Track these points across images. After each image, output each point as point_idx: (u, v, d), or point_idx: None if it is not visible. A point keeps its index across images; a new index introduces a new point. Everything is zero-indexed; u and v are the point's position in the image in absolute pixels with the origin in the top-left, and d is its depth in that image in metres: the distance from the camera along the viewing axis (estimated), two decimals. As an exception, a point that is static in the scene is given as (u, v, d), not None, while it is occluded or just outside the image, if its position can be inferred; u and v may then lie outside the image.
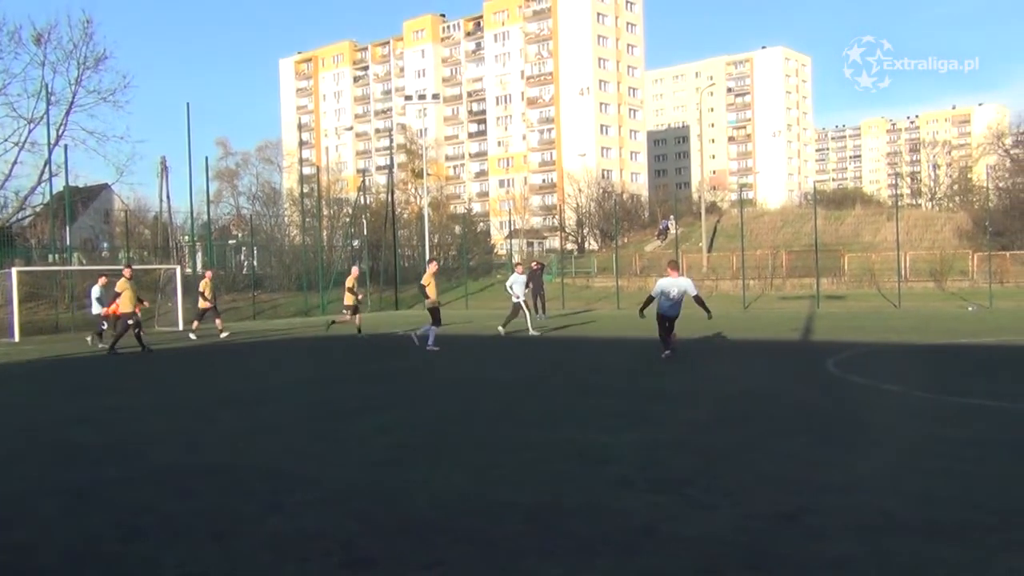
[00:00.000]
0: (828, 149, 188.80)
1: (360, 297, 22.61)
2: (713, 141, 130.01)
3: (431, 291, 16.42)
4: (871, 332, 18.76)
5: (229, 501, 5.51)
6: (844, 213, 51.66)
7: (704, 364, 13.74)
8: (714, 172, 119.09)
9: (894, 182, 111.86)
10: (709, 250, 44.60)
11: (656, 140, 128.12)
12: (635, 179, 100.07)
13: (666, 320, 13.77)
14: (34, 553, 4.56)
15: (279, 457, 6.95)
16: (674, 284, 13.68)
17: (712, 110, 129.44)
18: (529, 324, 19.96)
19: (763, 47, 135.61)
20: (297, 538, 4.64)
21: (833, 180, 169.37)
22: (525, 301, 20.49)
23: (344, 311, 21.97)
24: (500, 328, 19.71)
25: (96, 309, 20.78)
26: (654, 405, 9.14)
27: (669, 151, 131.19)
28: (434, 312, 16.37)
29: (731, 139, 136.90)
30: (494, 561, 4.20)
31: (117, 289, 17.46)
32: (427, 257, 39.59)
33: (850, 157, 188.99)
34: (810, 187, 69.99)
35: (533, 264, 28.01)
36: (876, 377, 11.12)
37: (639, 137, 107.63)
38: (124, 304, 17.06)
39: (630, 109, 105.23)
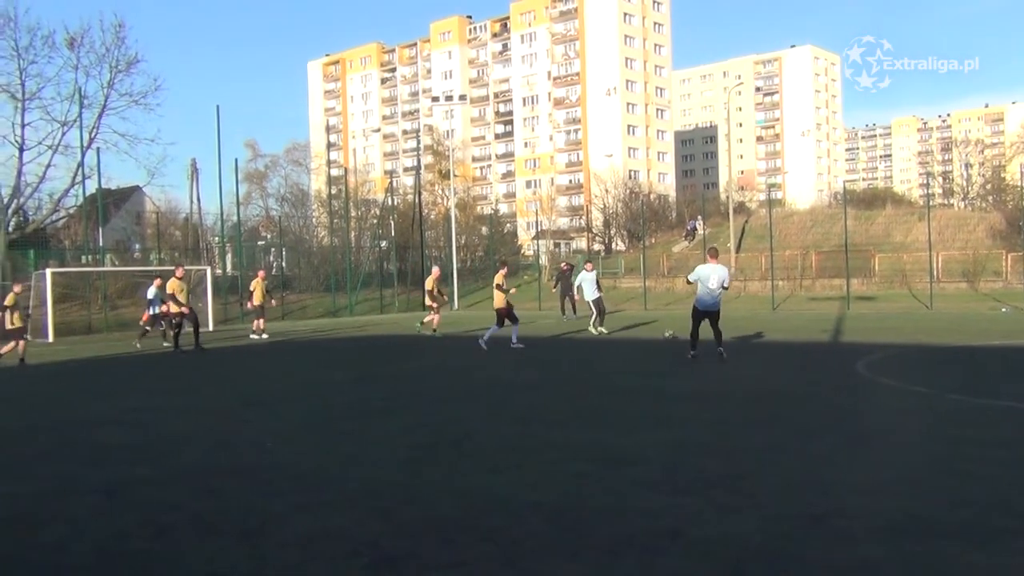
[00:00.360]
0: (858, 148, 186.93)
1: (445, 297, 22.47)
2: (741, 141, 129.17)
3: (499, 294, 16.96)
4: (902, 333, 18.56)
5: (256, 500, 5.57)
6: (874, 213, 51.07)
7: (731, 365, 13.63)
8: (742, 172, 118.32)
9: (925, 181, 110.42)
10: (737, 251, 44.29)
11: (684, 140, 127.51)
12: (662, 179, 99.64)
13: (704, 315, 13.13)
14: (66, 551, 4.64)
15: (305, 457, 7.01)
16: (714, 271, 13.05)
17: (740, 110, 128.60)
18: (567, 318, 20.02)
19: (792, 46, 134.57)
20: (323, 537, 4.68)
21: (863, 180, 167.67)
22: (593, 299, 20.42)
23: (432, 310, 21.81)
24: (600, 330, 19.70)
25: (153, 310, 20.99)
26: (680, 406, 9.10)
27: (697, 151, 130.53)
28: (501, 313, 16.86)
29: (759, 139, 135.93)
30: (517, 561, 4.21)
31: (168, 290, 17.79)
32: (454, 258, 39.72)
33: (880, 156, 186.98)
34: (840, 187, 69.34)
35: (562, 265, 28.15)
36: (906, 379, 11.00)
37: (666, 137, 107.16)
38: (176, 304, 17.43)
39: (657, 109, 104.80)
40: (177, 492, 5.86)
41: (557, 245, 68.38)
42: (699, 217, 50.20)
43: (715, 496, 5.32)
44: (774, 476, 5.85)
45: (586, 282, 20.59)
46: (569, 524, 4.79)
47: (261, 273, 23.68)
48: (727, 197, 54.22)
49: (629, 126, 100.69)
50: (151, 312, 19.96)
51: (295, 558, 4.36)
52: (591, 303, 20.37)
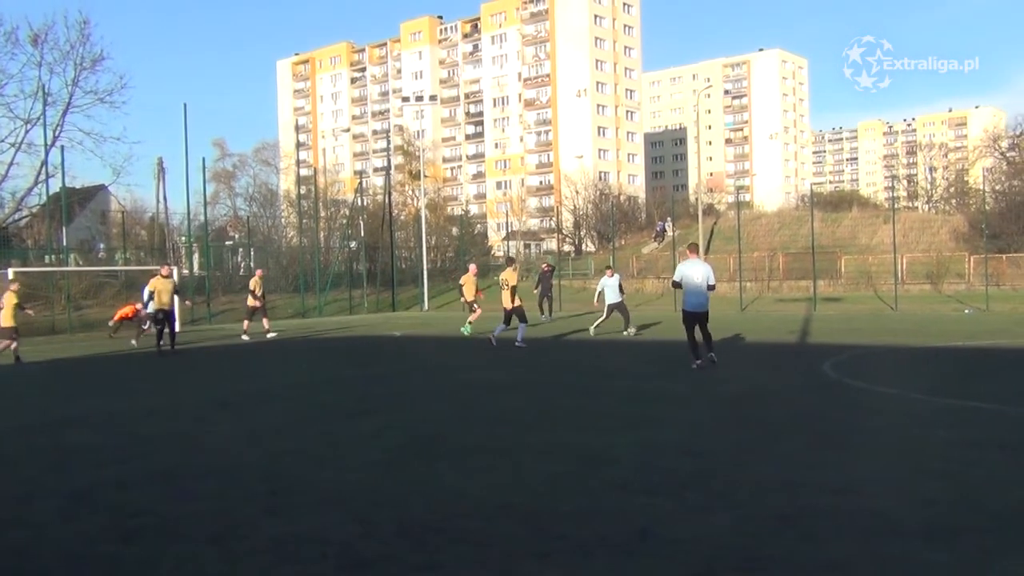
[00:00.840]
0: (825, 151, 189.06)
1: (481, 295, 22.22)
2: (710, 143, 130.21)
3: (507, 292, 16.89)
4: (868, 334, 18.80)
5: (227, 503, 5.51)
6: (841, 215, 51.73)
7: (705, 367, 13.73)
8: (711, 174, 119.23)
9: (891, 184, 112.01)
10: (706, 252, 44.60)
11: (653, 142, 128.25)
12: (632, 181, 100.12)
13: (695, 318, 12.11)
14: (32, 555, 4.56)
15: (277, 459, 6.96)
16: (695, 268, 12.07)
17: (709, 112, 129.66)
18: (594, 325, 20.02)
19: (760, 49, 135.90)
20: (294, 540, 4.65)
21: (830, 182, 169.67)
22: (616, 303, 20.18)
23: (472, 310, 21.62)
24: (629, 331, 19.75)
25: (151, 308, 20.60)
26: (652, 407, 9.15)
27: (666, 153, 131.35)
28: (510, 312, 16.88)
29: (728, 141, 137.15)
30: (491, 563, 4.21)
31: (149, 288, 17.22)
32: (424, 259, 39.62)
33: (847, 159, 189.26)
34: (807, 189, 70.20)
35: (544, 266, 28.23)
36: (872, 379, 11.15)
37: (636, 139, 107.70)
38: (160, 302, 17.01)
39: (627, 111, 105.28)
40: (146, 495, 5.79)
41: (527, 246, 68.49)
42: (668, 219, 50.52)
43: (686, 496, 5.36)
44: (744, 476, 5.90)
45: (608, 287, 20.27)
46: (541, 525, 4.80)
47: (259, 272, 23.30)
48: (696, 199, 54.63)
49: (599, 128, 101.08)
50: (145, 310, 19.62)
51: (266, 561, 4.32)
52: (615, 308, 20.15)
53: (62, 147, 31.37)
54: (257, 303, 22.26)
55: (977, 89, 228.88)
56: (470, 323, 20.25)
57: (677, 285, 12.44)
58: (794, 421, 8.24)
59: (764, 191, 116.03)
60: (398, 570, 4.14)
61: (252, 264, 40.48)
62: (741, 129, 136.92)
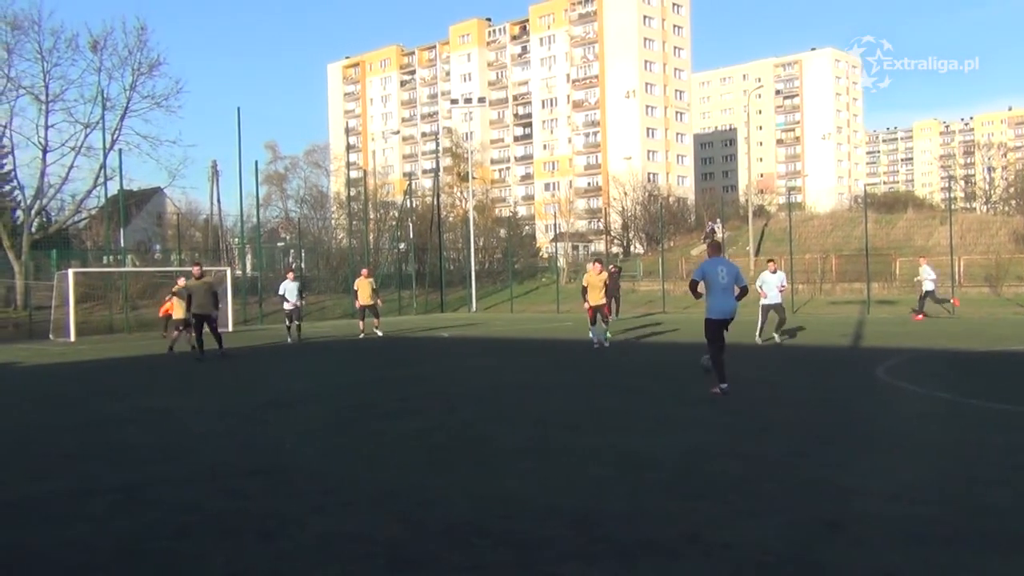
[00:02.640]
0: (879, 152, 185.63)
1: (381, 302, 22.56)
2: (761, 144, 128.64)
3: (591, 293, 16.84)
4: (923, 338, 18.40)
5: (275, 501, 5.60)
6: (895, 217, 50.68)
7: (751, 370, 13.58)
8: (762, 175, 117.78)
9: (947, 185, 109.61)
10: (757, 254, 44.08)
11: (703, 143, 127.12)
12: (681, 182, 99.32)
13: (720, 327, 10.11)
14: (93, 548, 4.69)
15: (325, 458, 7.05)
16: (720, 267, 10.18)
17: (760, 112, 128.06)
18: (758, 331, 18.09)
19: (812, 49, 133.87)
20: (341, 539, 4.70)
21: (884, 183, 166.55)
22: (775, 304, 18.07)
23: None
24: (776, 336, 17.85)
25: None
26: (698, 410, 9.07)
27: (716, 154, 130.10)
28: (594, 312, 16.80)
29: (779, 142, 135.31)
30: (536, 565, 4.21)
31: (186, 289, 17.29)
32: (472, 260, 39.78)
33: (902, 160, 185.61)
34: (860, 190, 68.85)
35: (611, 267, 28.30)
36: (927, 384, 10.91)
37: (685, 140, 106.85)
38: (178, 307, 17.28)
39: (676, 112, 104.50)
40: (197, 492, 5.91)
41: (575, 248, 68.29)
42: (718, 220, 50.01)
43: (733, 500, 5.31)
44: (793, 481, 5.83)
45: (768, 284, 17.97)
46: (586, 528, 4.79)
47: (365, 271, 23.19)
48: (746, 200, 54.02)
49: (648, 129, 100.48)
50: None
51: (313, 559, 4.38)
52: (772, 308, 18.03)
53: (120, 150, 32.13)
54: (369, 302, 22.11)
55: (1001, 91, 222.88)
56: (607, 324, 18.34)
57: (695, 287, 10.35)
58: (845, 425, 8.11)
59: (816, 192, 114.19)
60: (443, 571, 4.16)
61: (303, 266, 41.01)
62: (793, 129, 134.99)
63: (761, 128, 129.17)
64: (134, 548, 4.67)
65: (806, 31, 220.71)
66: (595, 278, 17.04)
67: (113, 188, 32.39)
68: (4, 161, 37.22)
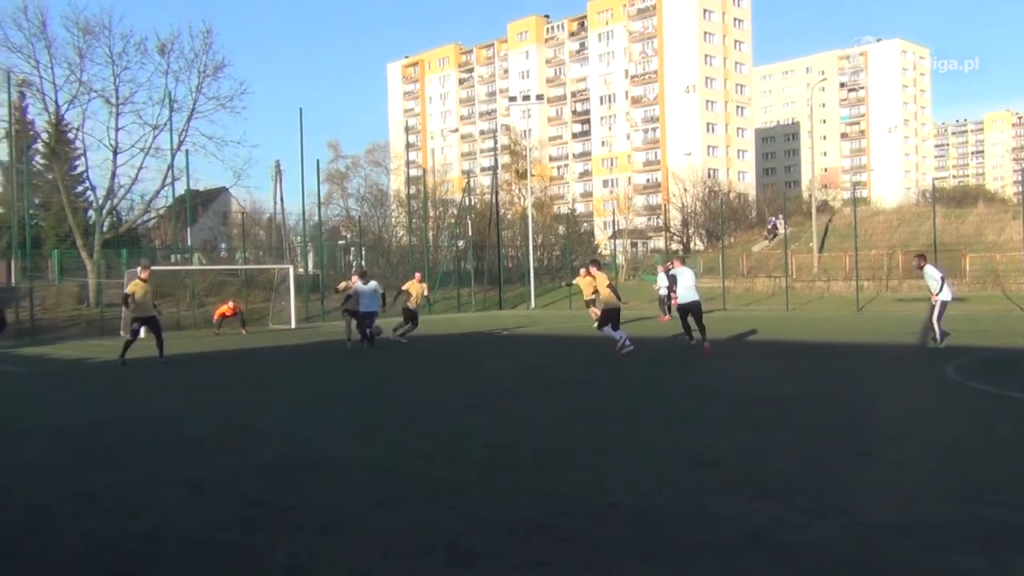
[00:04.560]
0: (948, 145, 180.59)
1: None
2: (824, 138, 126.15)
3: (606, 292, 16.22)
4: (994, 336, 17.87)
5: (337, 495, 5.67)
6: (965, 211, 49.22)
7: (815, 368, 13.35)
8: (825, 170, 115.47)
9: (1020, 178, 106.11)
10: (820, 250, 43.28)
11: (764, 137, 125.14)
12: (742, 178, 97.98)
13: (687, 310, 15.35)
14: (161, 540, 4.81)
15: (386, 453, 7.12)
16: (685, 273, 15.64)
17: (824, 106, 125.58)
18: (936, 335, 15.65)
19: (878, 39, 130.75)
20: (402, 533, 4.74)
21: (953, 177, 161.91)
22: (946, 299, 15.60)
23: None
24: (937, 341, 15.48)
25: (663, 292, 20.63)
26: (762, 409, 8.94)
27: (778, 148, 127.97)
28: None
29: (844, 135, 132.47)
30: (596, 563, 4.19)
31: (129, 290, 16.86)
32: (531, 257, 39.80)
33: (972, 153, 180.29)
34: (928, 184, 67.04)
35: (668, 264, 28.17)
36: (999, 383, 10.58)
37: (747, 135, 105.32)
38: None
39: (737, 106, 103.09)
40: (261, 486, 6.02)
41: (634, 244, 67.88)
42: (780, 216, 49.21)
43: (797, 502, 5.21)
44: (859, 482, 5.70)
45: (933, 281, 15.70)
46: (646, 526, 4.76)
47: (418, 275, 22.28)
48: (810, 195, 53.01)
49: (708, 124, 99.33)
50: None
51: (375, 553, 4.43)
52: (943, 303, 15.60)
53: (187, 151, 32.90)
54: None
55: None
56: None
57: (672, 286, 15.90)
58: (914, 426, 7.91)
59: (882, 187, 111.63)
60: (504, 567, 4.17)
61: (364, 262, 41.49)
62: (858, 123, 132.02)
63: (825, 122, 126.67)
64: (200, 540, 4.77)
65: (871, 22, 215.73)
66: (601, 280, 16.16)
67: (180, 188, 33.21)
68: (77, 163, 38.32)
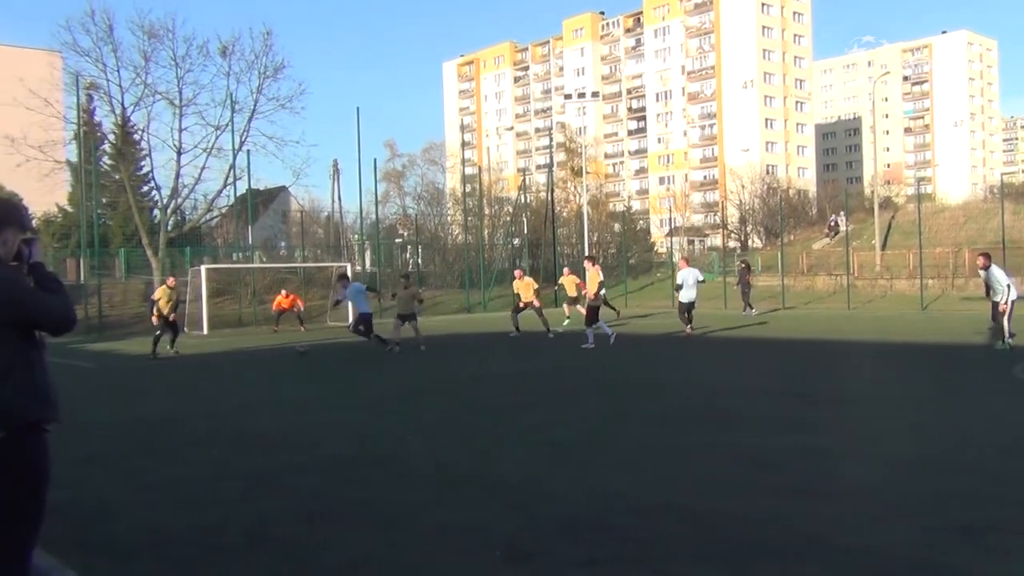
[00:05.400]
0: (1017, 139, 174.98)
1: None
2: (888, 133, 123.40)
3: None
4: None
5: (395, 491, 5.74)
6: (1035, 207, 47.70)
7: (876, 368, 13.09)
8: (888, 166, 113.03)
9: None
10: (883, 248, 42.33)
11: (825, 133, 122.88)
12: (802, 174, 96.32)
13: (686, 308, 18.19)
14: (222, 532, 4.92)
15: (442, 450, 7.18)
16: (689, 273, 18.35)
17: (886, 100, 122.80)
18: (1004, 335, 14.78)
19: (943, 32, 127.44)
20: (458, 530, 4.79)
21: (1023, 172, 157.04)
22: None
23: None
24: (1004, 342, 14.69)
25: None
26: (822, 410, 8.80)
27: (839, 144, 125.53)
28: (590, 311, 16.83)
29: (907, 130, 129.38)
30: (651, 562, 4.18)
31: (155, 297, 18.00)
32: (587, 254, 39.73)
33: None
34: (996, 179, 65.16)
35: (740, 264, 28.48)
36: (1071, 386, 10.26)
37: (807, 130, 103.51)
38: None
39: (797, 101, 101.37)
40: (321, 480, 6.12)
41: (691, 242, 67.25)
42: (842, 213, 48.27)
43: (856, 504, 5.13)
44: (921, 485, 5.58)
45: (999, 283, 15.38)
46: (702, 526, 4.73)
47: (518, 272, 22.28)
48: (872, 192, 51.95)
49: (767, 120, 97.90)
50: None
51: (431, 549, 4.48)
52: (1013, 303, 15.04)
53: (248, 151, 33.48)
54: (536, 302, 20.89)
55: None
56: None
57: (679, 288, 18.66)
58: (980, 428, 7.71)
59: (948, 182, 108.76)
60: (559, 565, 4.18)
61: (420, 261, 41.81)
62: (922, 117, 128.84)
63: (888, 116, 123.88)
64: (262, 533, 4.88)
65: (935, 14, 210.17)
66: (595, 276, 16.99)
67: (242, 187, 33.84)
68: (142, 163, 39.29)
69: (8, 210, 3.27)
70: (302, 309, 26.77)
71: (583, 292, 19.34)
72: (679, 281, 18.93)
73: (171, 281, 18.33)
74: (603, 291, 17.26)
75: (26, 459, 3.08)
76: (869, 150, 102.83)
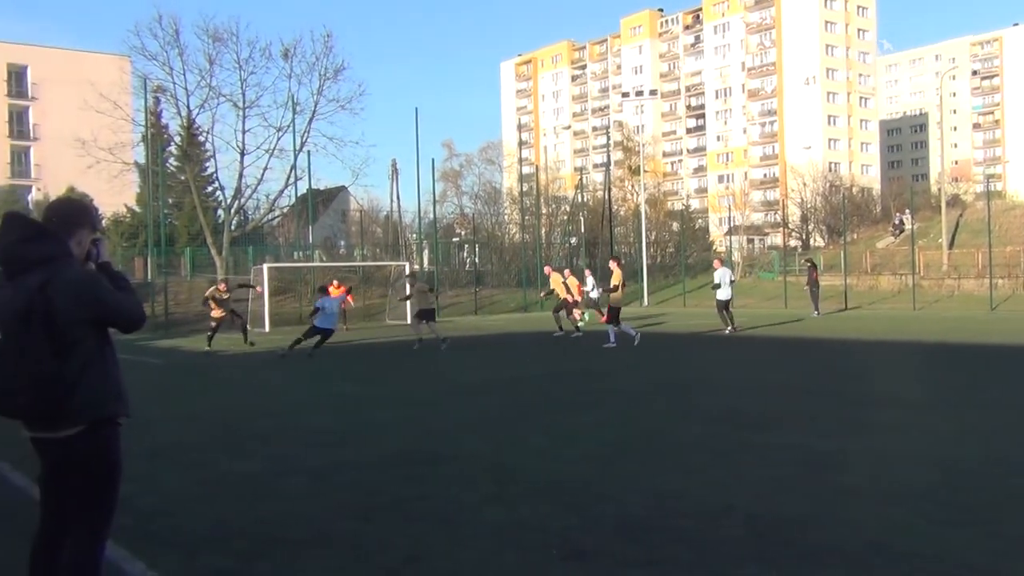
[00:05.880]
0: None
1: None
2: (955, 129, 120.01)
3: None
4: None
5: (453, 488, 5.77)
6: (1113, 205, 46.00)
7: (942, 371, 12.76)
8: (956, 162, 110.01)
9: None
10: (950, 247, 41.25)
11: (890, 129, 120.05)
12: (866, 171, 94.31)
13: (724, 305, 19.30)
14: (282, 526, 5.00)
15: (500, 448, 7.20)
16: (725, 273, 19.66)
17: (954, 95, 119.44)
18: None
19: (1015, 24, 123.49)
20: (516, 528, 4.79)
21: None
22: None
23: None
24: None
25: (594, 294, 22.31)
26: (885, 412, 8.60)
27: (904, 141, 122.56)
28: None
29: (976, 126, 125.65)
30: (711, 565, 4.13)
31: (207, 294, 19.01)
32: (644, 254, 39.44)
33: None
34: (1071, 176, 62.84)
35: (807, 263, 28.30)
36: None
37: (871, 127, 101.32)
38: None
39: (861, 97, 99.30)
40: (381, 477, 6.18)
41: (751, 241, 66.29)
42: (907, 211, 47.15)
43: (927, 509, 5.00)
44: (994, 490, 5.42)
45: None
46: (765, 529, 4.65)
47: (567, 272, 22.09)
48: (939, 189, 50.65)
49: (829, 116, 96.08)
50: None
51: (489, 547, 4.49)
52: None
53: (308, 152, 34.07)
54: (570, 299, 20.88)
55: None
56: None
57: (717, 286, 19.61)
58: (1053, 433, 7.46)
59: (1019, 179, 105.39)
60: (616, 565, 4.16)
61: (477, 260, 41.97)
62: (992, 112, 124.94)
63: (955, 112, 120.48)
64: (321, 528, 4.94)
65: (1006, 5, 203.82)
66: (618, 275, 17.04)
67: (302, 187, 34.41)
68: (207, 164, 40.23)
69: (81, 211, 3.38)
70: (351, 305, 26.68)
71: (566, 295, 20.11)
72: (716, 280, 19.83)
73: (222, 286, 19.11)
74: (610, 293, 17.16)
75: (101, 452, 3.19)
76: (936, 146, 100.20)
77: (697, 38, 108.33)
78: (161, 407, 9.95)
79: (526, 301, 35.59)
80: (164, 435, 8.18)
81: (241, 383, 13.18)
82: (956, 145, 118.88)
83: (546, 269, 22.96)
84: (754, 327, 20.83)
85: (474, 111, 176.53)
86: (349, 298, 26.26)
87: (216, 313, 18.40)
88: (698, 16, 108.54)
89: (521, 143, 71.54)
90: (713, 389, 10.82)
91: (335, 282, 26.37)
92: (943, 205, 43.94)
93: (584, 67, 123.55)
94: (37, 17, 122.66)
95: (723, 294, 19.65)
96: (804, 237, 58.61)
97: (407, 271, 25.49)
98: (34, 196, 51.82)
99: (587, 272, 22.96)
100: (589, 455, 6.80)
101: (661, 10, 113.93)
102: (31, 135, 59.02)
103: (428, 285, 20.68)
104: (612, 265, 17.34)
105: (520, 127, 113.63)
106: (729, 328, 19.28)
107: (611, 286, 16.69)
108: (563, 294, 20.40)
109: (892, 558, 4.16)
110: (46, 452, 3.18)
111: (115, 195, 37.39)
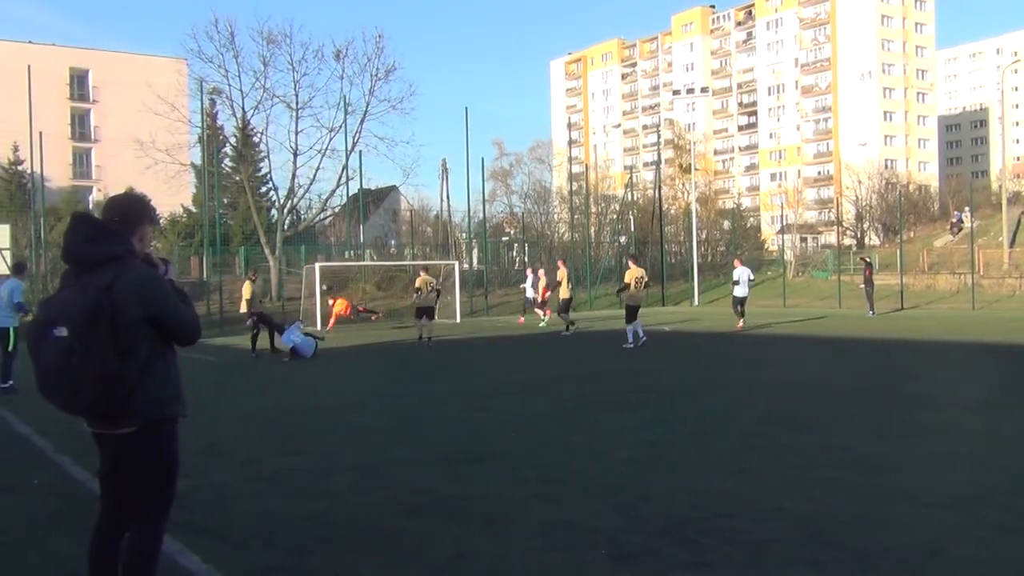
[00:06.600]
0: None
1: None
2: (1017, 124, 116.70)
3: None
4: None
5: (499, 487, 5.78)
6: None
7: (1001, 372, 12.42)
8: (1018, 158, 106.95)
9: None
10: (1011, 245, 40.14)
11: (949, 125, 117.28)
12: (923, 168, 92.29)
13: (739, 302, 19.96)
14: (331, 523, 5.06)
15: (546, 447, 7.18)
16: (743, 272, 20.13)
17: (1016, 89, 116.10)
18: None
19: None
20: (563, 528, 4.78)
21: None
22: None
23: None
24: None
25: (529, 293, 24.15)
26: (939, 414, 8.41)
27: (964, 137, 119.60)
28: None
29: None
30: (761, 567, 4.07)
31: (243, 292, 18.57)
32: (695, 253, 39.10)
33: None
34: None
35: (863, 259, 28.18)
36: None
37: (928, 123, 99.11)
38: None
39: (918, 93, 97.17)
40: (427, 475, 6.21)
41: (804, 240, 65.28)
42: (966, 209, 45.98)
43: (984, 514, 4.87)
44: (1055, 496, 5.26)
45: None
46: (816, 532, 4.58)
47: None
48: (1000, 186, 49.34)
49: (886, 112, 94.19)
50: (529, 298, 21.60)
51: (536, 546, 4.48)
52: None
53: (360, 152, 34.40)
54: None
55: None
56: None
57: (736, 283, 20.20)
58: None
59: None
60: (667, 566, 4.12)
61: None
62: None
63: (1018, 106, 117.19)
64: (369, 525, 4.99)
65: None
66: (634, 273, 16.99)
67: (354, 187, 34.76)
68: (261, 165, 40.85)
69: (141, 207, 3.47)
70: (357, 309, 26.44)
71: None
72: (735, 278, 20.55)
73: (252, 274, 19.26)
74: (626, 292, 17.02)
75: (159, 449, 3.26)
76: (997, 142, 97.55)
77: (749, 34, 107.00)
78: (215, 404, 10.12)
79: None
80: (218, 431, 8.32)
81: (293, 381, 13.36)
82: (1018, 141, 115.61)
83: (530, 267, 23.70)
84: (797, 320, 20.50)
85: (524, 110, 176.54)
86: (346, 310, 25.30)
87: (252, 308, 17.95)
88: (750, 12, 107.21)
89: (571, 142, 71.49)
90: (761, 388, 10.67)
91: (337, 299, 25.19)
92: (1004, 202, 42.76)
93: (634, 65, 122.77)
94: (97, 21, 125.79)
95: (740, 291, 20.40)
96: (859, 236, 57.57)
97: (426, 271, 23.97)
98: (95, 197, 53.10)
99: (528, 271, 23.60)
100: (635, 455, 6.75)
101: (713, 6, 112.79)
102: (92, 137, 60.52)
103: (435, 280, 20.79)
104: (630, 263, 17.67)
105: (570, 126, 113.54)
106: (740, 323, 20.05)
107: (623, 284, 16.92)
108: (565, 292, 21.47)
109: (948, 563, 4.06)
110: (107, 447, 3.27)
111: (172, 195, 38.13)
